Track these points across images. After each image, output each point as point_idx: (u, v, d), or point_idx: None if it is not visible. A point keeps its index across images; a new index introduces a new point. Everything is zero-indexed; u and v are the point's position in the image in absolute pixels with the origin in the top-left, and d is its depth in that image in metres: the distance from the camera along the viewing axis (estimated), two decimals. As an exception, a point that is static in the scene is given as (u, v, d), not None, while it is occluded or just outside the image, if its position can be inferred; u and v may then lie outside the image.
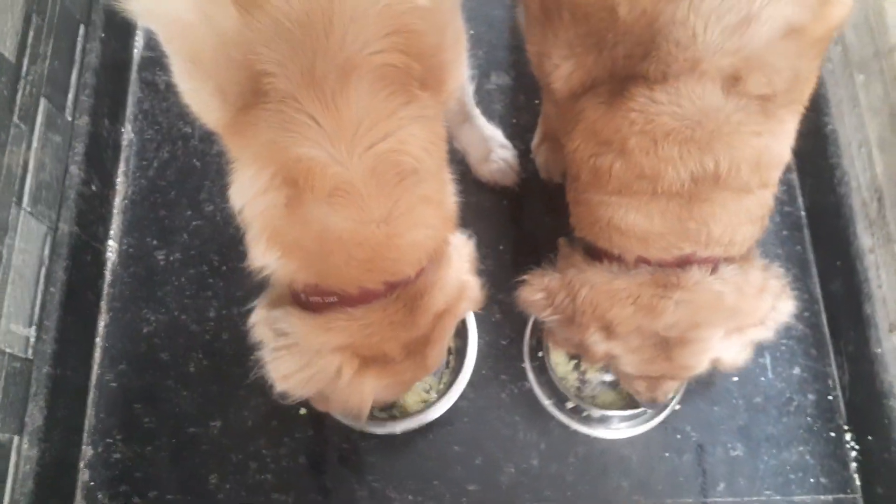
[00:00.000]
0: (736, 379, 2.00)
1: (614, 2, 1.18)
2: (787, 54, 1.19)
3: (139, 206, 2.14)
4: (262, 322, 1.34)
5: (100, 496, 1.87)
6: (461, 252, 1.42)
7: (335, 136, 1.08)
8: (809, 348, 2.05)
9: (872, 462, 1.91)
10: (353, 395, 1.36)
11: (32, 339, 1.78)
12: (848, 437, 1.97)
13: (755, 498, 1.91)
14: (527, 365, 1.98)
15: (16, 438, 1.70)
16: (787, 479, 1.93)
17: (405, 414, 1.89)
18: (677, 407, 1.95)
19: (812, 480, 1.93)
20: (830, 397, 2.01)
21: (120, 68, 2.25)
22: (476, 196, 2.11)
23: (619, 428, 1.93)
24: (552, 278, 1.51)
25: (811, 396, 2.01)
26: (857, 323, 1.95)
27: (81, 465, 1.90)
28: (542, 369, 1.95)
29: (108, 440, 1.92)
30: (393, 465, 1.91)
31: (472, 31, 2.28)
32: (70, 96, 2.01)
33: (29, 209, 1.78)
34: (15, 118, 1.75)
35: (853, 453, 1.96)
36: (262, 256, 1.24)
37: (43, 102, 1.86)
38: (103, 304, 2.04)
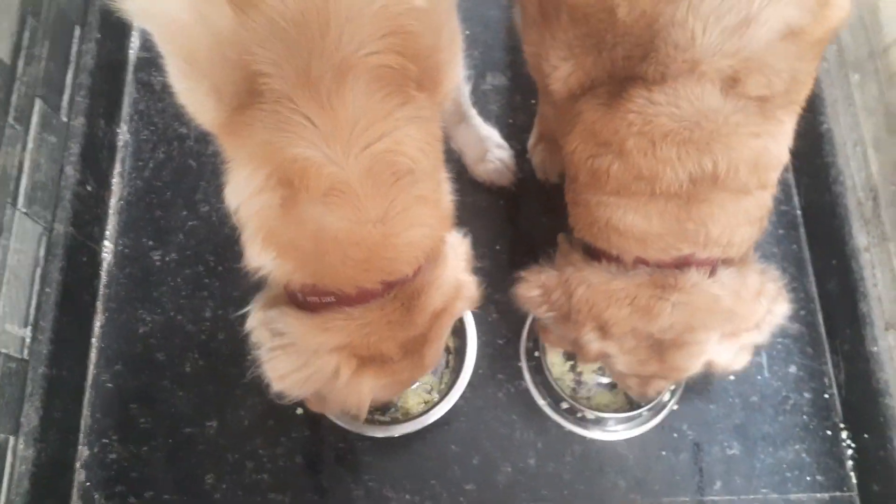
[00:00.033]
0: (732, 378, 2.00)
1: (614, 3, 1.18)
2: (786, 56, 1.19)
3: (135, 206, 2.14)
4: (259, 324, 1.34)
5: (96, 496, 1.87)
6: (457, 251, 1.42)
7: (331, 137, 1.08)
8: (805, 347, 2.06)
9: (868, 460, 1.92)
10: (351, 395, 1.36)
11: (28, 340, 1.77)
12: (844, 435, 1.98)
13: (752, 496, 1.92)
14: (523, 365, 1.98)
15: (11, 439, 1.70)
16: (783, 478, 1.93)
17: (408, 416, 1.89)
18: (675, 407, 1.95)
19: (808, 478, 1.94)
20: (826, 395, 2.02)
21: (115, 69, 2.24)
22: (472, 196, 2.11)
23: (615, 430, 1.93)
24: (549, 275, 1.51)
25: (807, 395, 2.01)
26: (852, 321, 1.96)
27: (77, 465, 1.89)
28: (539, 369, 1.95)
29: (104, 440, 1.92)
30: (390, 464, 1.91)
31: (468, 32, 2.28)
32: (65, 97, 2.00)
33: (24, 210, 1.78)
34: (10, 119, 1.74)
35: (849, 451, 1.97)
36: (258, 257, 1.24)
37: (38, 103, 1.86)
38: (99, 305, 2.04)
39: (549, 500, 1.90)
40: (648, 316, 1.39)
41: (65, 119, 1.99)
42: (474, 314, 1.96)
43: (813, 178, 2.14)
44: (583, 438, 1.93)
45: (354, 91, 1.06)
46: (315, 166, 1.09)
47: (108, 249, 2.09)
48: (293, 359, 1.31)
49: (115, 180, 2.16)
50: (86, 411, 1.94)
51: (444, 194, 1.31)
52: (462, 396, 1.90)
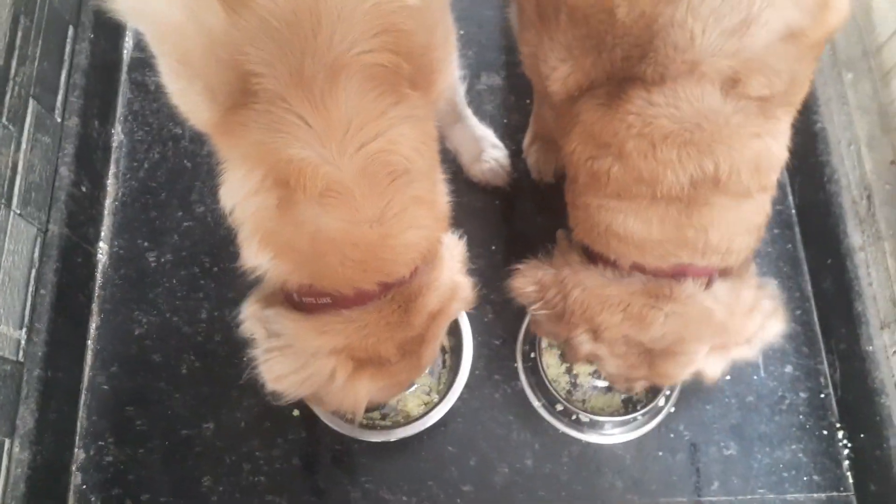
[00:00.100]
0: (728, 378, 2.00)
1: (613, 4, 1.18)
2: (786, 57, 1.19)
3: (130, 207, 2.13)
4: (253, 317, 1.34)
5: (92, 499, 1.86)
6: (453, 252, 1.43)
7: (325, 137, 1.08)
8: (801, 346, 2.06)
9: (865, 459, 1.92)
10: (347, 398, 1.36)
11: (23, 342, 1.77)
12: (840, 434, 1.98)
13: (749, 496, 1.92)
14: (519, 366, 1.98)
15: (7, 441, 1.69)
16: (780, 478, 1.93)
17: (409, 419, 1.89)
18: (671, 410, 1.95)
19: (805, 478, 1.94)
20: (822, 395, 2.02)
21: (109, 69, 2.24)
22: (468, 196, 2.11)
23: (610, 434, 1.93)
24: (546, 273, 1.51)
25: (803, 394, 2.01)
26: (848, 321, 1.96)
27: (73, 467, 1.89)
28: (535, 370, 1.95)
29: (100, 443, 1.91)
30: (387, 466, 1.91)
31: (462, 32, 2.28)
32: (59, 97, 2.00)
33: (18, 211, 1.77)
34: (3, 119, 1.74)
35: (846, 451, 1.97)
36: (255, 257, 1.24)
37: (32, 104, 1.86)
38: (94, 306, 2.03)
39: (547, 500, 1.90)
40: (641, 325, 1.39)
41: (59, 119, 1.99)
42: (470, 315, 1.95)
43: (807, 177, 2.15)
44: (579, 439, 1.93)
45: (347, 90, 1.06)
46: (310, 166, 1.09)
47: (103, 250, 2.08)
48: (290, 361, 1.31)
49: (110, 181, 2.16)
50: (82, 413, 1.93)
51: (441, 195, 1.31)
52: (459, 397, 1.90)
